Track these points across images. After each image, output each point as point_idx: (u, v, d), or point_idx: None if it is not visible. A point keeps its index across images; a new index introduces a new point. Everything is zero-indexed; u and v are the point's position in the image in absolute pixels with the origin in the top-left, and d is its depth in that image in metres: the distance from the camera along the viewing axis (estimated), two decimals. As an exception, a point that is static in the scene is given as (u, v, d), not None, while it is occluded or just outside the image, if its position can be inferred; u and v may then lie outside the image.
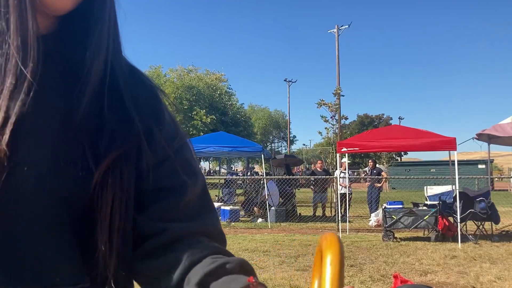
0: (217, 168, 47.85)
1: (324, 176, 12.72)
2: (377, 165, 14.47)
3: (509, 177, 21.98)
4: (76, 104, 0.60)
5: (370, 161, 13.62)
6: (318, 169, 13.89)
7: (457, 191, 8.28)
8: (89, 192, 0.59)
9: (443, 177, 12.50)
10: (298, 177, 23.26)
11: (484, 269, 5.99)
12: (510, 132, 8.66)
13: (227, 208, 11.96)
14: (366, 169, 14.50)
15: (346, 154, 10.97)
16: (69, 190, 0.58)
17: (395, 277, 1.92)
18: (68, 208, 0.59)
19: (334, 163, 13.51)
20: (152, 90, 0.75)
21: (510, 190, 24.12)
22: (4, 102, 0.53)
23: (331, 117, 13.75)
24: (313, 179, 13.17)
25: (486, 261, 6.50)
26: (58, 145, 0.59)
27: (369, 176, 13.53)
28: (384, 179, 12.87)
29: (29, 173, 0.56)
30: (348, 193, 11.73)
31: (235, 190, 15.39)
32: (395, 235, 8.60)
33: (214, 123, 29.55)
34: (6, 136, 0.52)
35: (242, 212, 12.73)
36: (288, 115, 52.53)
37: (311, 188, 13.71)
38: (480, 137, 9.74)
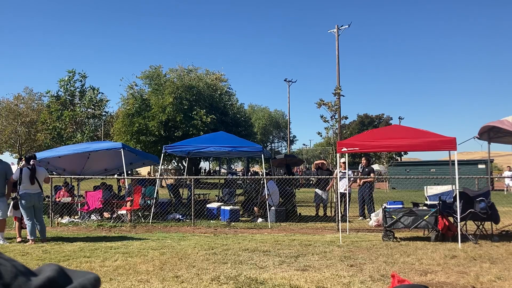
0: (217, 168, 47.85)
1: (326, 176, 12.70)
2: (377, 165, 14.38)
3: (509, 177, 21.92)
4: None
5: (363, 158, 13.26)
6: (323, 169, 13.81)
7: (457, 191, 8.27)
8: None
9: (443, 177, 12.46)
10: (298, 177, 23.26)
11: (484, 269, 5.99)
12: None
13: (227, 208, 11.96)
14: (359, 167, 14.26)
15: (346, 154, 10.96)
16: None
17: (393, 276, 1.92)
18: None
19: (334, 163, 13.48)
20: None
21: (507, 190, 24.04)
22: None
23: (330, 117, 13.73)
24: (313, 178, 13.12)
25: (486, 261, 6.50)
26: None
27: (358, 176, 13.37)
28: (373, 178, 12.64)
29: None
30: (348, 193, 11.72)
31: (235, 190, 15.38)
32: (395, 235, 8.60)
33: (214, 123, 29.54)
34: None
35: (244, 214, 12.72)
36: (288, 115, 52.48)
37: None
38: (481, 136, 9.74)
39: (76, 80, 35.44)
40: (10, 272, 0.56)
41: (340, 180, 10.76)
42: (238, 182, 17.56)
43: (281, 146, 70.58)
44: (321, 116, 13.91)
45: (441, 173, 24.75)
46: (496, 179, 29.47)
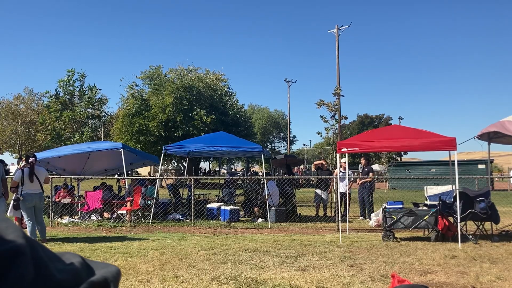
0: (217, 168, 47.85)
1: (326, 176, 12.69)
2: (377, 165, 14.37)
3: (509, 177, 21.91)
4: None
5: (362, 158, 13.21)
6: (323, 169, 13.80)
7: (457, 191, 8.27)
8: None
9: (443, 177, 12.45)
10: (298, 177, 23.28)
11: (484, 269, 5.99)
12: None
13: (227, 208, 11.96)
14: (359, 167, 14.26)
15: (346, 154, 10.96)
16: None
17: (393, 276, 1.92)
18: None
19: (334, 163, 13.48)
20: None
21: (510, 189, 24.04)
22: None
23: (330, 117, 13.75)
24: (313, 179, 13.12)
25: (486, 261, 6.50)
26: None
27: (357, 177, 13.35)
28: (373, 178, 12.61)
29: None
30: (348, 193, 11.71)
31: (235, 190, 15.38)
32: (395, 235, 8.60)
33: (214, 123, 29.53)
34: None
35: (242, 212, 12.72)
36: (288, 115, 52.48)
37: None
38: (481, 136, 9.74)
39: (75, 79, 35.37)
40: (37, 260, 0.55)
41: (341, 181, 10.75)
42: (238, 182, 17.56)
43: (281, 146, 70.62)
44: (321, 116, 13.95)
45: (441, 173, 24.74)
46: (496, 179, 29.46)
